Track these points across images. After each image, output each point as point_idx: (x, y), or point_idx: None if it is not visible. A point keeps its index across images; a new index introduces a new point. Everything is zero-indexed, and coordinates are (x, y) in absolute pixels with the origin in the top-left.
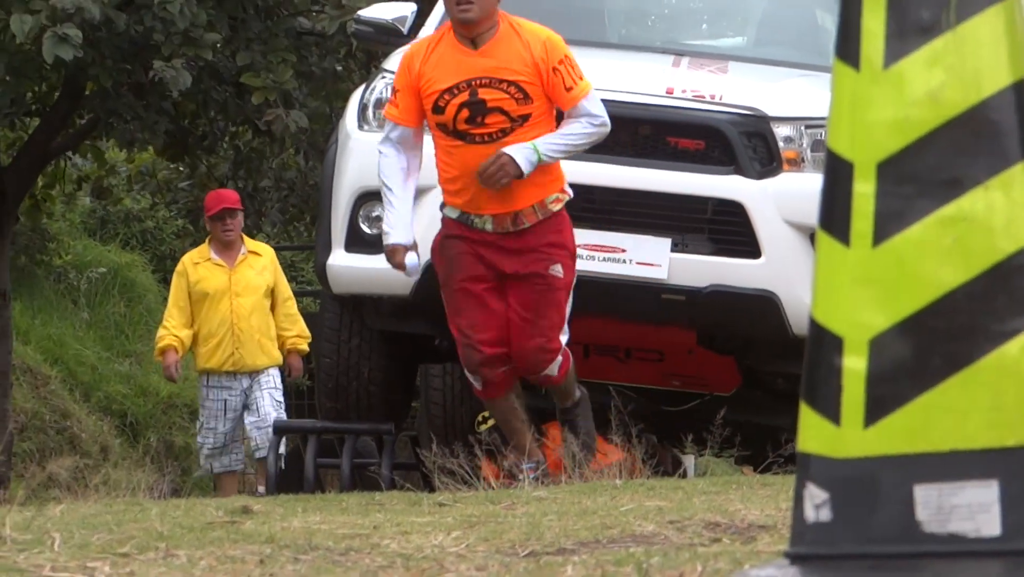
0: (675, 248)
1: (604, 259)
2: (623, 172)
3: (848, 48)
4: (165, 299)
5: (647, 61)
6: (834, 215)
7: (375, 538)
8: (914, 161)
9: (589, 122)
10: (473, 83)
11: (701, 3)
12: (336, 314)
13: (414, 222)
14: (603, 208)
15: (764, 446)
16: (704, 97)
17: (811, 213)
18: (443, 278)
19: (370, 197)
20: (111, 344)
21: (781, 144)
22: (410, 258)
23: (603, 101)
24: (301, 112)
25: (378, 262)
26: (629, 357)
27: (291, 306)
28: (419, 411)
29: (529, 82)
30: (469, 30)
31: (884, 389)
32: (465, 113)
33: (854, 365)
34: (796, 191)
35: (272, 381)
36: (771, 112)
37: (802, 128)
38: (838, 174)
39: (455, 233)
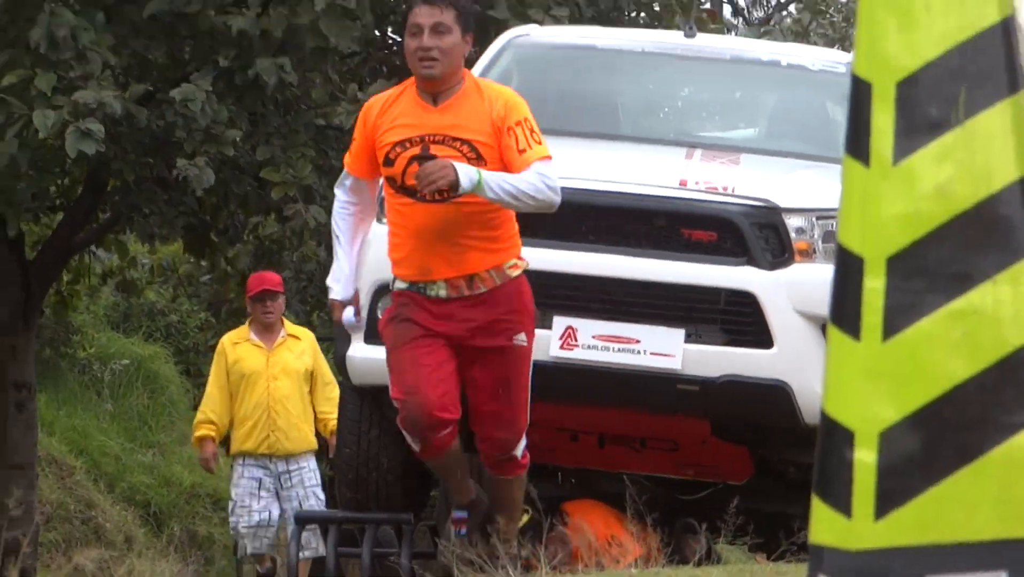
0: (689, 339)
1: (619, 350)
2: (637, 264)
3: (858, 145)
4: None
5: (661, 153)
6: (844, 309)
7: None
8: (924, 255)
9: (541, 179)
10: (426, 138)
11: (713, 95)
12: (356, 405)
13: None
14: (617, 299)
15: (777, 533)
16: (717, 189)
17: (822, 303)
18: (390, 345)
19: (389, 290)
20: (134, 435)
21: (793, 235)
22: (346, 314)
23: (618, 193)
24: (320, 207)
25: None
26: (644, 447)
27: (332, 390)
28: (437, 500)
29: (485, 143)
30: (432, 86)
31: (894, 482)
32: (415, 168)
33: (864, 458)
34: (808, 281)
35: (314, 477)
36: (783, 203)
37: (813, 219)
38: (848, 269)
39: (406, 300)
